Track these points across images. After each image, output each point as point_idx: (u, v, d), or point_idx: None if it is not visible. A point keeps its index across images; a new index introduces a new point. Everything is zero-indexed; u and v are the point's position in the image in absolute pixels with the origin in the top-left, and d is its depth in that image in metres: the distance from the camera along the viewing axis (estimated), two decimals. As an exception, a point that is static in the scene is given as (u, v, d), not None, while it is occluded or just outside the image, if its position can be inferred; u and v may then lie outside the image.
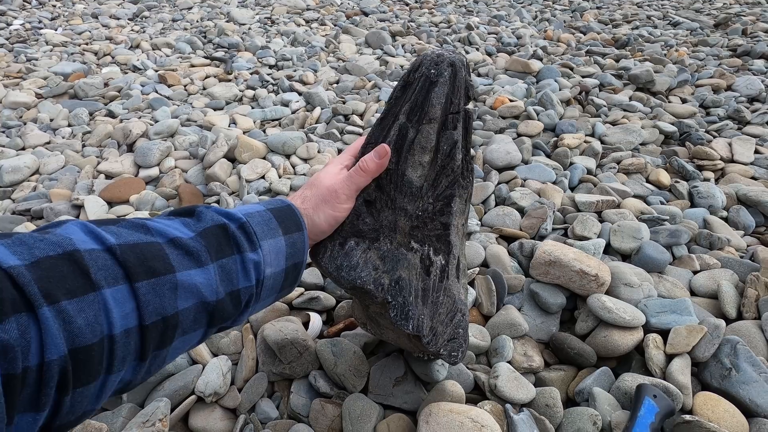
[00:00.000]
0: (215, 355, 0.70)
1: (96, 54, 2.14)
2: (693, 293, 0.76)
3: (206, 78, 1.87)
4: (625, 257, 0.85)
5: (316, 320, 0.74)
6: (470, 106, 0.49)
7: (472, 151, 0.53)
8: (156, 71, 1.91)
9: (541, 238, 0.91)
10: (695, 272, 0.80)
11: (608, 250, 0.86)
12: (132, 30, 2.54)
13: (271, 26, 2.61)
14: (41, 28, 2.47)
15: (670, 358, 0.62)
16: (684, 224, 0.91)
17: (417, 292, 0.47)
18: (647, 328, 0.66)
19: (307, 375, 0.66)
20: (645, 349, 0.63)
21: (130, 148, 1.34)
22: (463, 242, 0.54)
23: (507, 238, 0.92)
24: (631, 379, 0.60)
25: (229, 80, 1.86)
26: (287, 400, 0.64)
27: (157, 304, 0.30)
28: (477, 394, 0.63)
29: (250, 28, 2.55)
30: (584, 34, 2.37)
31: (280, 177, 1.19)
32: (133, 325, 0.29)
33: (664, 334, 0.65)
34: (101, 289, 0.27)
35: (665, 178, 1.08)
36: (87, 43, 2.28)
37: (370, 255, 0.47)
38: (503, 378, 0.60)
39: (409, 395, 0.62)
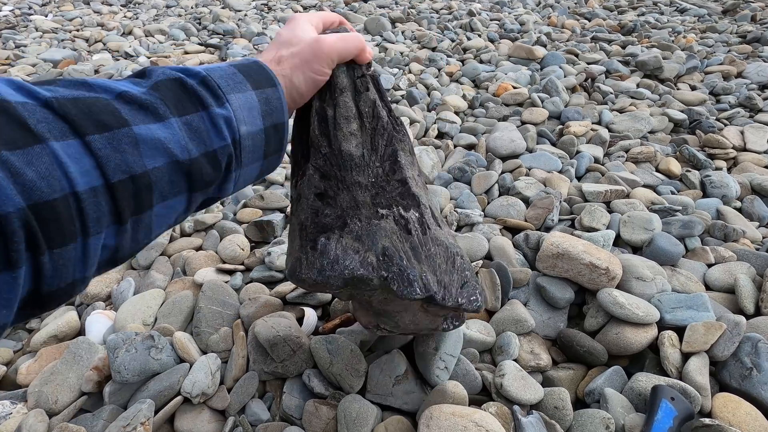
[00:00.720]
0: (204, 352, 0.66)
1: (87, 41, 2.08)
2: (708, 287, 0.72)
3: (200, 65, 1.81)
4: (636, 249, 0.81)
5: (310, 315, 0.70)
6: (371, 69, 0.47)
7: (393, 106, 0.50)
8: (148, 58, 1.85)
9: (547, 229, 0.87)
10: (710, 265, 0.76)
11: (618, 242, 0.82)
12: (125, 16, 2.48)
13: (267, 12, 2.54)
14: (31, 14, 2.41)
15: (686, 356, 0.59)
16: (696, 215, 0.87)
17: (407, 254, 0.45)
18: (661, 325, 0.63)
19: (300, 374, 0.62)
20: (660, 347, 0.59)
21: (120, 136, 1.29)
22: (426, 191, 0.51)
23: (511, 230, 0.88)
24: (645, 380, 0.56)
25: (224, 67, 1.80)
26: (279, 400, 0.60)
27: (119, 160, 0.27)
28: (482, 394, 0.59)
29: (245, 15, 2.48)
30: (589, 21, 2.30)
31: (275, 166, 1.14)
32: (98, 184, 0.26)
33: (680, 331, 0.62)
34: (47, 141, 0.24)
35: (676, 167, 1.04)
36: (78, 30, 2.22)
37: (346, 241, 0.44)
38: (509, 377, 0.57)
39: (410, 396, 0.58)
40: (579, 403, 0.60)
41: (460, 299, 0.47)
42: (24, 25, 2.28)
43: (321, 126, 0.44)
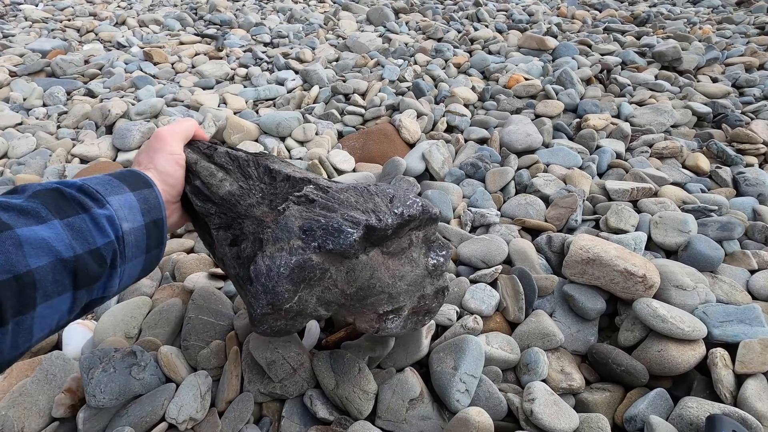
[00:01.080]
0: (194, 369, 0.59)
1: (78, 30, 2.00)
2: (753, 296, 0.65)
3: (195, 56, 1.73)
4: (670, 253, 0.74)
5: (312, 328, 0.63)
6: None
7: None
8: (141, 48, 1.77)
9: (570, 230, 0.80)
10: (752, 271, 0.69)
11: (649, 245, 0.75)
12: (118, 6, 2.39)
13: (266, 3, 2.46)
14: (21, 3, 2.32)
15: (740, 378, 0.52)
16: (732, 215, 0.80)
17: (321, 214, 0.44)
18: (708, 341, 0.56)
19: (302, 395, 0.55)
20: (711, 368, 0.52)
21: (110, 129, 1.22)
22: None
23: (530, 231, 0.81)
24: (696, 406, 0.49)
25: (220, 58, 1.72)
26: (278, 426, 0.53)
27: (2, 261, 0.28)
28: (508, 420, 0.52)
29: (244, 5, 2.39)
30: (600, 11, 2.22)
31: (273, 161, 1.07)
32: None
33: (730, 348, 0.54)
34: None
35: (704, 163, 0.97)
36: (69, 20, 2.13)
37: (269, 251, 0.44)
38: (540, 402, 0.50)
39: (426, 423, 0.51)
40: (617, 430, 0.53)
41: (396, 210, 0.46)
42: (13, 14, 2.19)
43: (198, 196, 0.49)
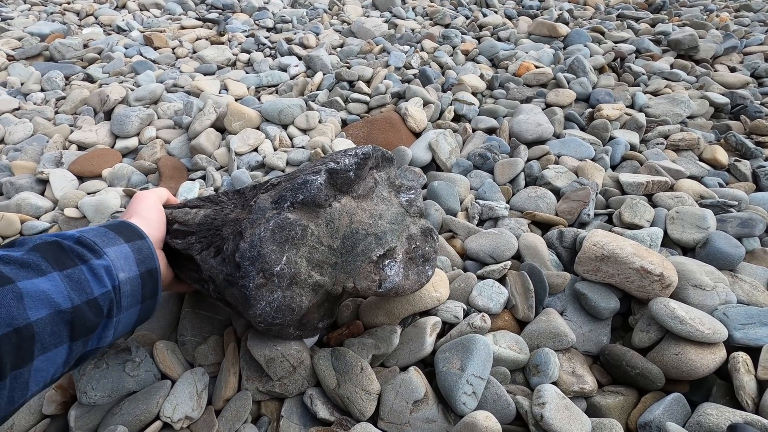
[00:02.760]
0: (191, 365, 0.57)
1: (78, 14, 1.96)
2: (774, 297, 0.62)
3: (197, 40, 1.69)
4: (687, 251, 0.70)
5: (313, 324, 0.60)
6: None
7: None
8: (142, 33, 1.73)
9: (582, 225, 0.77)
10: (774, 270, 0.66)
11: (665, 241, 0.71)
12: (119, -11, 2.34)
13: (269, -13, 2.39)
14: (20, -14, 2.27)
15: (763, 385, 0.49)
16: (752, 210, 0.76)
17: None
18: (729, 345, 0.53)
19: (302, 394, 0.53)
20: (733, 373, 0.49)
21: (108, 115, 1.19)
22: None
23: (540, 225, 0.78)
24: (716, 413, 0.47)
25: (222, 43, 1.68)
26: (276, 426, 0.51)
27: (3, 314, 0.29)
28: (516, 424, 0.50)
29: (246, -11, 2.33)
30: (613, -2, 2.15)
31: (275, 150, 1.04)
32: None
33: (752, 352, 0.52)
34: None
35: (722, 156, 0.93)
36: (69, 2, 2.09)
37: (257, 228, 0.45)
38: (551, 407, 0.47)
39: (431, 425, 0.49)
40: (631, 436, 0.50)
41: (349, 154, 0.49)
42: (12, -4, 2.15)
43: (178, 236, 0.51)
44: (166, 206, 0.55)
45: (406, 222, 0.53)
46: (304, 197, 0.45)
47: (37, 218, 0.88)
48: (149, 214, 0.49)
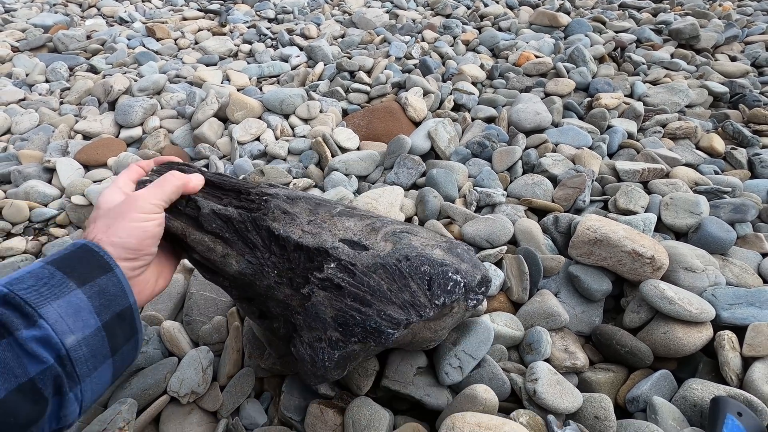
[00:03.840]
0: (196, 344, 0.60)
1: (80, 5, 1.97)
2: (764, 280, 0.64)
3: (199, 31, 1.70)
4: (680, 235, 0.72)
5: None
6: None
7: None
8: (144, 24, 1.74)
9: (578, 211, 0.78)
10: (764, 255, 0.67)
11: (658, 226, 0.73)
12: (121, -19, 2.34)
13: (271, -23, 2.39)
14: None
15: (747, 361, 0.51)
16: (746, 197, 0.78)
17: (354, 307, 0.41)
18: (717, 324, 0.54)
19: (302, 371, 0.55)
20: (718, 350, 0.51)
21: (112, 106, 1.21)
22: (333, 216, 0.48)
23: (537, 211, 0.79)
24: (701, 388, 0.48)
25: (224, 34, 1.69)
26: (278, 401, 0.53)
27: None
28: (510, 400, 0.52)
29: (248, -20, 2.33)
30: (615, -13, 2.14)
31: (277, 139, 1.05)
32: None
33: (739, 331, 0.53)
34: None
35: (719, 144, 0.94)
36: (71, -6, 2.09)
37: (306, 338, 0.43)
38: (543, 382, 0.49)
39: (433, 389, 0.51)
40: (619, 411, 0.52)
41: (437, 301, 0.42)
42: (15, -12, 2.16)
43: (204, 269, 0.46)
44: (173, 210, 0.44)
45: (464, 316, 0.50)
46: (375, 345, 0.41)
47: (45, 205, 0.90)
48: (126, 238, 0.37)
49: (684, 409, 0.48)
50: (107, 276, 0.34)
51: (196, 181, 0.44)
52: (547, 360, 0.54)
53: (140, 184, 0.44)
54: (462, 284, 0.43)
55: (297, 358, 0.43)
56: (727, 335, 0.52)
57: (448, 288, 0.42)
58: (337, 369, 0.43)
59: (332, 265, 0.42)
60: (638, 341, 0.55)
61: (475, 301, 0.48)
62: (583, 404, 0.49)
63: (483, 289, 0.48)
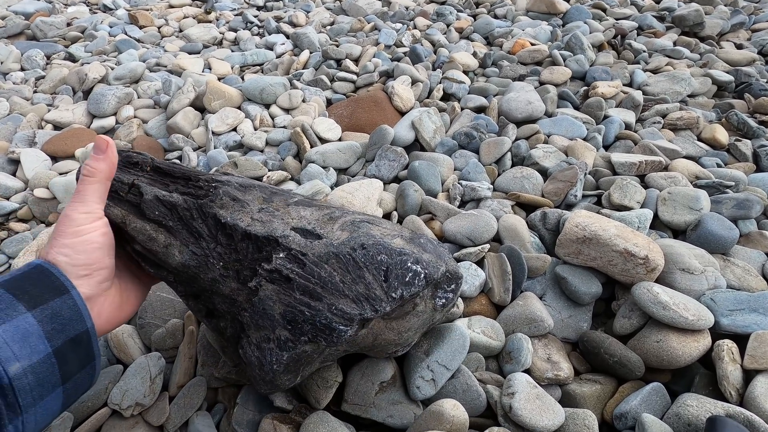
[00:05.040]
0: (149, 349, 0.55)
1: (65, -7, 1.91)
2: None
3: (183, 18, 1.65)
4: (677, 233, 0.67)
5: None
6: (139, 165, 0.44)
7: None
8: (128, 11, 1.69)
9: (569, 206, 0.73)
10: (769, 254, 0.62)
11: (655, 223, 0.68)
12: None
13: (262, -35, 2.32)
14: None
15: (749, 375, 0.46)
16: (750, 191, 0.72)
17: (303, 302, 0.37)
18: (715, 332, 0.49)
19: (260, 380, 0.50)
20: (717, 362, 0.46)
21: (87, 95, 1.16)
22: (286, 205, 0.44)
23: (525, 206, 0.74)
24: (696, 405, 0.43)
25: (209, 21, 1.63)
26: (231, 414, 0.49)
27: None
28: (485, 416, 0.47)
29: (239, -33, 2.27)
30: (618, -26, 2.06)
31: (255, 129, 1.00)
32: None
33: (739, 340, 0.48)
34: None
35: (722, 135, 0.88)
36: (56, -19, 2.04)
37: (254, 337, 0.38)
38: (521, 397, 0.44)
39: (396, 407, 0.46)
40: (606, 428, 0.48)
41: (394, 294, 0.38)
42: (-1, -25, 2.10)
43: (146, 261, 0.42)
44: (113, 197, 0.41)
45: (433, 319, 0.45)
46: (327, 344, 0.37)
47: (7, 199, 0.85)
48: (78, 253, 0.34)
49: (677, 428, 0.43)
50: (62, 298, 0.32)
51: (110, 145, 0.38)
52: (527, 371, 0.49)
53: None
54: (422, 275, 0.39)
55: (245, 361, 0.39)
56: (727, 345, 0.47)
57: (407, 279, 0.38)
58: (287, 374, 0.39)
59: (281, 255, 0.38)
60: (628, 350, 0.50)
61: (444, 300, 0.43)
62: (564, 421, 0.44)
63: (453, 286, 0.44)
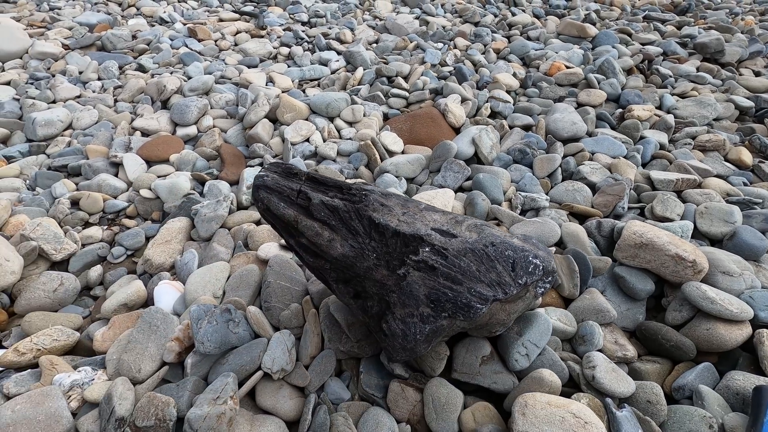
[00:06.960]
0: (276, 328, 0.66)
1: (120, 5, 2.04)
2: (794, 285, 0.69)
3: (237, 33, 1.77)
4: (714, 242, 0.77)
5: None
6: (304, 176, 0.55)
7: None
8: (184, 24, 1.81)
9: (617, 217, 0.84)
10: (794, 262, 0.73)
11: (694, 233, 0.78)
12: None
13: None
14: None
15: (784, 356, 0.56)
16: (775, 208, 0.83)
17: (446, 285, 0.48)
18: (755, 323, 0.60)
19: (376, 354, 0.61)
20: (758, 346, 0.57)
21: (165, 104, 1.28)
22: (422, 212, 0.55)
23: (577, 216, 0.85)
24: (742, 379, 0.54)
25: (262, 36, 1.75)
26: (357, 380, 0.60)
27: None
28: (568, 386, 0.58)
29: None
30: (638, -1, 2.19)
31: (324, 141, 1.11)
32: None
33: (775, 329, 0.59)
34: None
35: (747, 156, 0.99)
36: (110, -7, 2.16)
37: (399, 314, 0.49)
38: (601, 369, 0.55)
39: (498, 376, 0.57)
40: (665, 398, 0.58)
41: (520, 281, 0.49)
42: (55, -14, 2.23)
43: (308, 252, 0.53)
44: (279, 190, 0.49)
45: (531, 304, 0.56)
46: (464, 320, 0.47)
47: (115, 198, 0.96)
48: None
49: (727, 397, 0.54)
50: None
51: None
52: (600, 350, 0.60)
53: (258, 178, 0.51)
54: (540, 267, 0.50)
55: (388, 333, 0.49)
56: (766, 332, 0.57)
57: (530, 270, 0.49)
58: (425, 343, 0.49)
59: (426, 249, 0.49)
60: (682, 336, 0.61)
61: (543, 289, 0.54)
62: (635, 390, 0.55)
63: (550, 279, 0.54)
